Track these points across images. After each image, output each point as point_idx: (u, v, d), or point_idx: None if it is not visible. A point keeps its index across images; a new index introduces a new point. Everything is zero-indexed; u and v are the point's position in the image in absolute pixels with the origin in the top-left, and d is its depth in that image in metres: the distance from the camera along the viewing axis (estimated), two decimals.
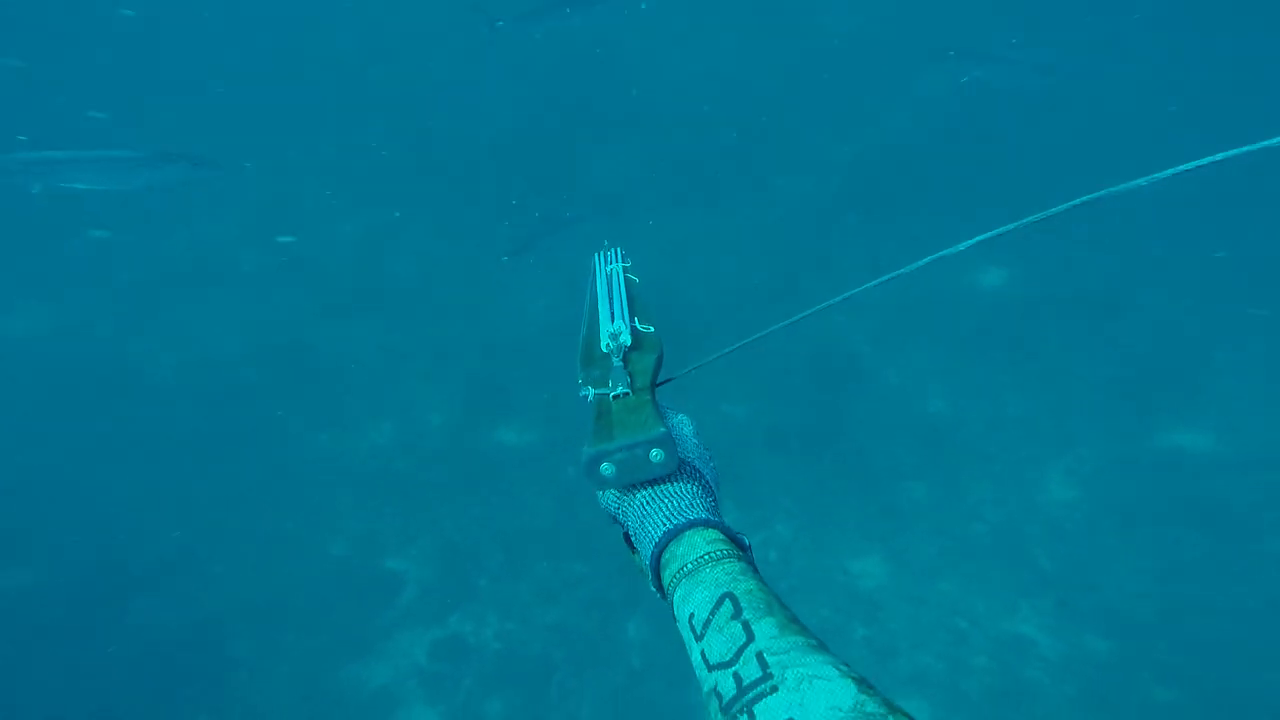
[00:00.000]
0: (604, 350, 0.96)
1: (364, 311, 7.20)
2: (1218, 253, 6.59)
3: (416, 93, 9.83)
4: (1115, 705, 3.98)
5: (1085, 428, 5.61)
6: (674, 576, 0.74)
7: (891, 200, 7.80)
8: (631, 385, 0.90)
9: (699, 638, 0.67)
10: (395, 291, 7.46)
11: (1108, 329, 6.41)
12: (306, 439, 6.17)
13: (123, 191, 4.74)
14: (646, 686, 4.36)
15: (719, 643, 0.64)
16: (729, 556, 0.73)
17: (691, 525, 0.77)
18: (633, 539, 0.84)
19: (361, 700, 4.50)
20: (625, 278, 1.11)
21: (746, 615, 0.65)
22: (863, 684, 0.56)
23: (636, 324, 1.00)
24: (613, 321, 0.99)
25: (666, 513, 0.79)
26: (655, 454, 0.81)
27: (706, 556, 0.73)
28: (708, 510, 0.80)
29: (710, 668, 0.63)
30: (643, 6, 8.20)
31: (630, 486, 0.84)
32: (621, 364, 0.93)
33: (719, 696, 0.61)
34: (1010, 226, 0.70)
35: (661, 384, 0.96)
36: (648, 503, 0.81)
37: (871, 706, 0.54)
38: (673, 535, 0.77)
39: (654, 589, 0.80)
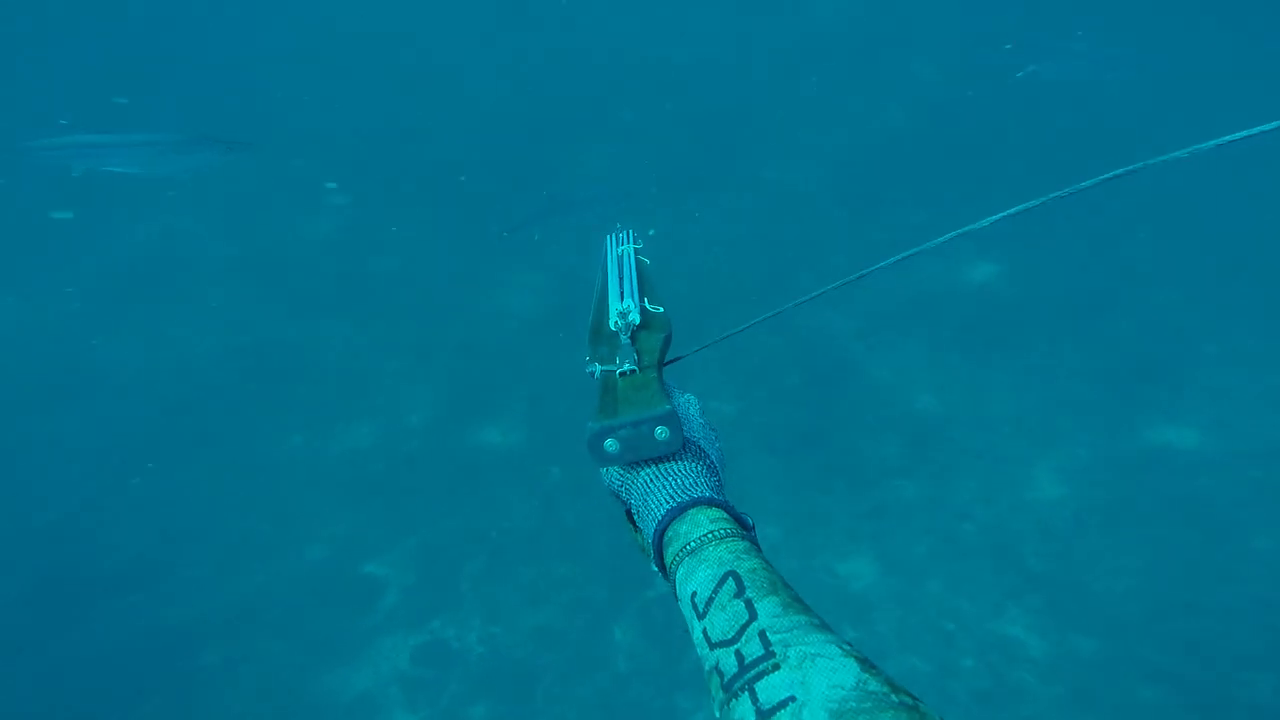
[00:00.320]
0: (612, 329, 0.98)
1: (339, 309, 7.16)
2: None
3: (399, 81, 9.78)
4: (1102, 706, 4.06)
5: (1073, 424, 5.73)
6: (677, 555, 0.75)
7: (881, 193, 7.90)
8: (639, 363, 0.91)
9: (701, 616, 0.68)
10: (372, 288, 7.43)
11: (1095, 324, 6.55)
12: (279, 441, 6.13)
13: (160, 175, 4.87)
14: (634, 690, 4.40)
15: (721, 621, 0.65)
16: (732, 535, 0.74)
17: (695, 504, 0.78)
18: (635, 517, 0.85)
19: (340, 708, 4.49)
20: (636, 259, 1.13)
21: (749, 594, 0.66)
22: (865, 663, 0.57)
23: (646, 304, 1.02)
24: (622, 300, 1.01)
25: (670, 491, 0.80)
26: (660, 431, 0.82)
27: (710, 535, 0.74)
28: (712, 489, 0.81)
29: (712, 645, 0.64)
30: None
31: (634, 464, 0.85)
32: (629, 342, 0.95)
33: (720, 674, 0.62)
34: (1035, 202, 0.71)
35: (669, 363, 0.98)
36: (651, 480, 0.83)
37: (874, 685, 0.55)
38: (676, 513, 0.78)
39: (656, 568, 0.81)
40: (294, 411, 6.33)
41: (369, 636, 4.86)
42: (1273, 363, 5.97)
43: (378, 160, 8.90)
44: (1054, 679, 4.22)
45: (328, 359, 6.74)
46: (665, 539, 0.78)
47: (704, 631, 0.66)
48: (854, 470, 5.54)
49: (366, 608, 5.02)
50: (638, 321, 0.98)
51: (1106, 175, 0.66)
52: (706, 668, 0.64)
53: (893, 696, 0.54)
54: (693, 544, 0.74)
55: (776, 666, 0.58)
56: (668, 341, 0.98)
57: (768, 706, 0.56)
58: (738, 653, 0.61)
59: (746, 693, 0.58)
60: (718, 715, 0.61)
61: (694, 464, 0.84)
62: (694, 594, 0.70)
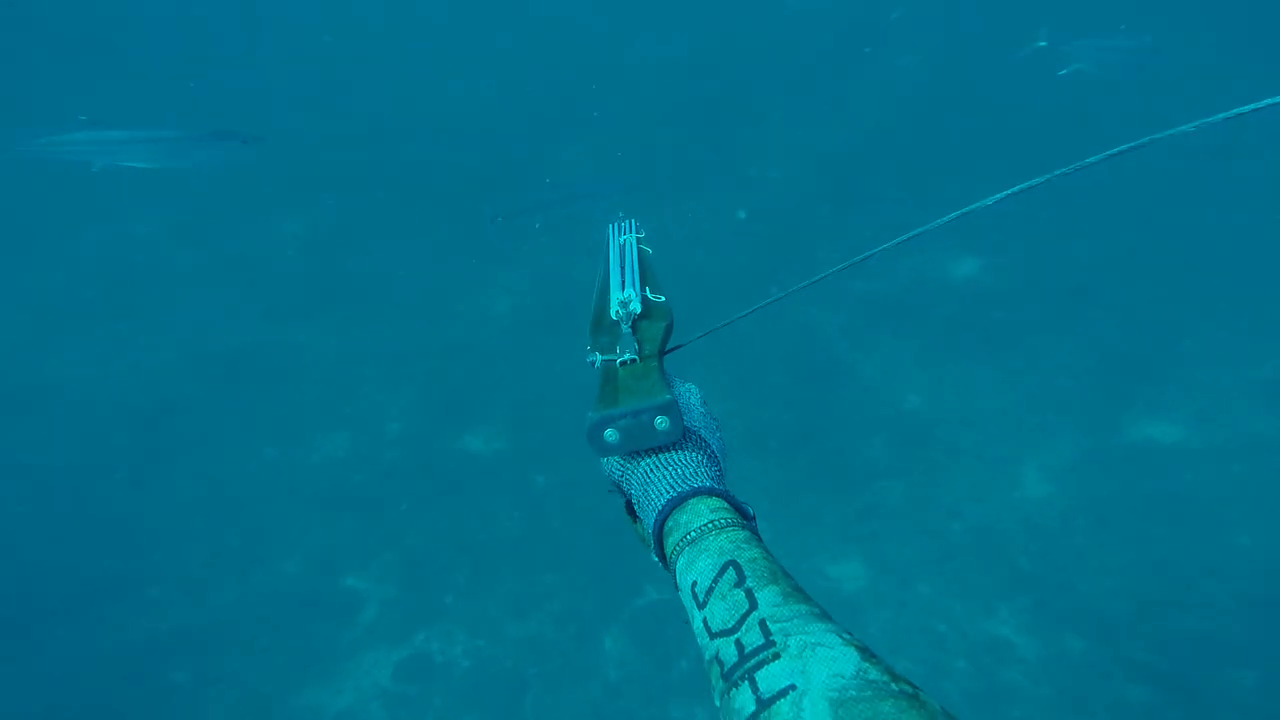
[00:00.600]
0: (614, 318, 0.99)
1: (312, 314, 7.09)
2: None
3: (375, 80, 9.73)
4: (1091, 706, 4.14)
5: (1060, 421, 5.86)
6: (677, 545, 0.76)
7: (866, 189, 8.02)
8: (639, 352, 0.92)
9: (701, 605, 0.69)
10: (346, 292, 7.37)
11: (1080, 318, 6.70)
12: (252, 453, 6.06)
13: (176, 169, 4.98)
14: (624, 701, 4.41)
15: (721, 610, 0.66)
16: (733, 525, 0.75)
17: (696, 493, 0.79)
18: (635, 507, 0.86)
19: None
20: (639, 248, 1.14)
21: (750, 583, 0.67)
22: (865, 652, 0.58)
23: (648, 293, 1.03)
24: (623, 289, 1.01)
25: (670, 481, 0.81)
26: (660, 421, 0.83)
27: (710, 524, 0.75)
28: (712, 479, 0.82)
29: (712, 635, 0.65)
30: None
31: (634, 454, 0.86)
32: (630, 331, 0.96)
33: (720, 664, 0.62)
34: (1039, 179, 0.72)
35: (670, 351, 0.99)
36: (651, 470, 0.83)
37: (874, 674, 0.56)
38: (676, 503, 0.78)
39: (656, 558, 0.82)
40: (267, 421, 6.26)
41: (349, 652, 4.82)
42: (1251, 357, 6.17)
43: (352, 160, 8.84)
44: (1044, 679, 4.31)
45: (302, 366, 6.68)
46: (665, 529, 0.79)
47: (704, 621, 0.67)
48: (843, 471, 5.62)
49: (346, 622, 4.98)
50: (639, 310, 0.99)
51: (1112, 151, 0.67)
52: (706, 657, 0.65)
53: (893, 685, 0.55)
54: (693, 534, 0.75)
55: (777, 655, 0.59)
56: (669, 330, 0.99)
57: (768, 695, 0.57)
58: (738, 642, 0.62)
59: (746, 682, 0.59)
60: (718, 704, 0.61)
61: (694, 454, 0.85)
62: (694, 583, 0.71)
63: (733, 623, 0.64)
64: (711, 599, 0.68)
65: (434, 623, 4.88)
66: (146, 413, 6.32)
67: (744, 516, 0.78)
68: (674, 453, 0.84)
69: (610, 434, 0.83)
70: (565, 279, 7.23)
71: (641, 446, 0.84)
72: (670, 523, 0.78)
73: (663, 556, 0.80)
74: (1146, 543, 4.95)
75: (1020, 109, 9.00)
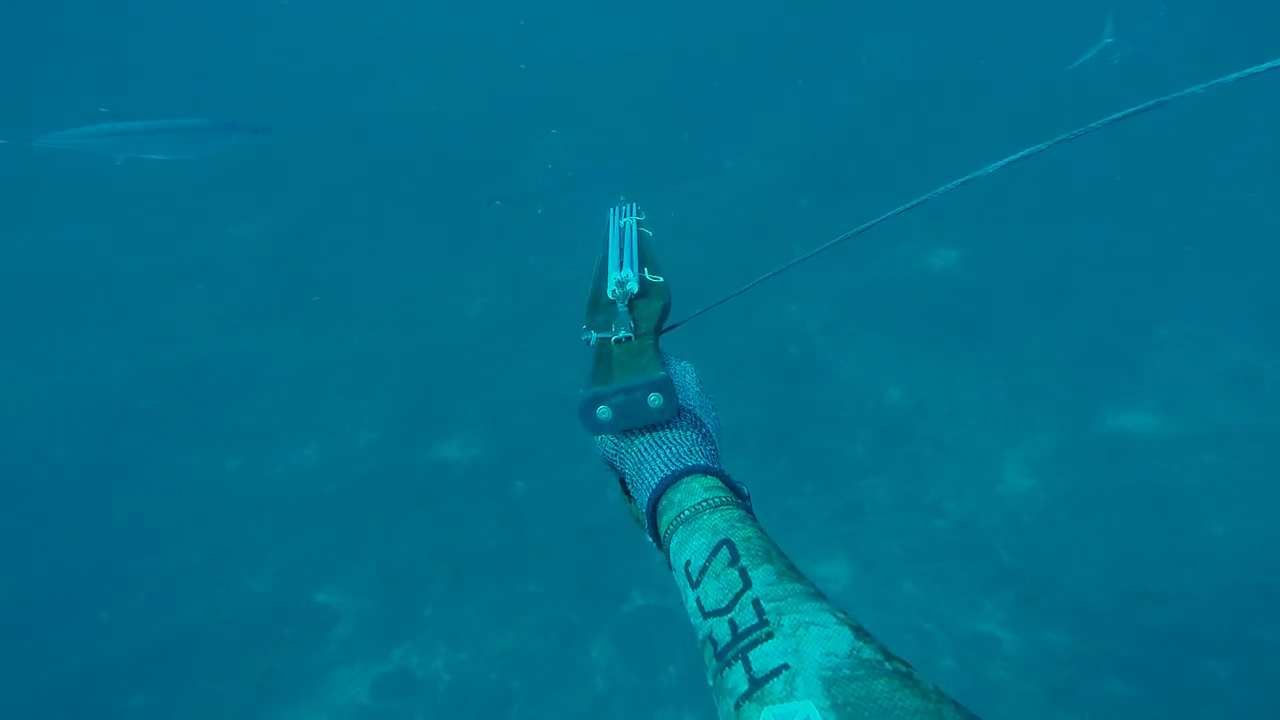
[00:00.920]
0: (610, 297, 1.01)
1: (275, 320, 6.97)
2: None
3: (337, 73, 9.58)
4: (1075, 701, 4.25)
5: (1039, 413, 6.02)
6: (671, 524, 0.76)
7: (844, 181, 8.14)
8: (635, 330, 0.93)
9: (695, 585, 0.69)
10: (312, 297, 7.26)
11: (1055, 309, 6.89)
12: (214, 467, 5.95)
13: (194, 160, 5.07)
14: (612, 711, 4.43)
15: (715, 589, 0.66)
16: (727, 504, 0.75)
17: (690, 472, 0.79)
18: (629, 486, 0.86)
19: None
20: (639, 230, 1.16)
21: (744, 562, 0.67)
22: (859, 631, 0.59)
23: (646, 274, 1.05)
24: (621, 269, 1.03)
25: (665, 459, 0.81)
26: (654, 398, 0.83)
27: (704, 503, 0.75)
28: (707, 458, 0.82)
29: (705, 615, 0.66)
30: None
31: (628, 432, 0.86)
32: (627, 310, 0.97)
33: (714, 643, 0.63)
34: (1042, 146, 0.72)
35: (667, 330, 1.01)
36: (646, 449, 0.84)
37: (868, 653, 0.56)
38: (670, 482, 0.79)
39: (650, 539, 0.82)
40: (229, 434, 6.15)
41: (323, 670, 4.76)
42: (1219, 343, 6.41)
43: (315, 158, 8.69)
44: (1029, 675, 4.42)
45: (266, 375, 6.56)
46: (659, 508, 0.79)
47: (698, 600, 0.68)
48: (825, 470, 5.71)
49: (319, 639, 4.91)
50: (636, 290, 1.00)
51: (1117, 115, 0.67)
52: (700, 637, 0.66)
53: (886, 664, 0.55)
54: (687, 512, 0.75)
55: (770, 635, 0.59)
56: (666, 310, 1.00)
57: (760, 675, 0.57)
58: (731, 621, 0.63)
59: (740, 661, 0.59)
60: (711, 684, 0.62)
61: (689, 432, 0.85)
62: (688, 563, 0.71)
63: (726, 602, 0.65)
64: (705, 578, 0.68)
65: (413, 636, 4.85)
66: (98, 427, 6.15)
67: (738, 495, 0.79)
68: (668, 431, 0.85)
69: (603, 411, 0.84)
70: (540, 280, 7.22)
71: (635, 424, 0.84)
72: (664, 502, 0.79)
73: (656, 536, 0.80)
74: (1125, 535, 5.11)
75: (1024, 98, 9.16)
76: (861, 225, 0.90)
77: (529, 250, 7.42)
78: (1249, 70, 0.62)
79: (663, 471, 0.80)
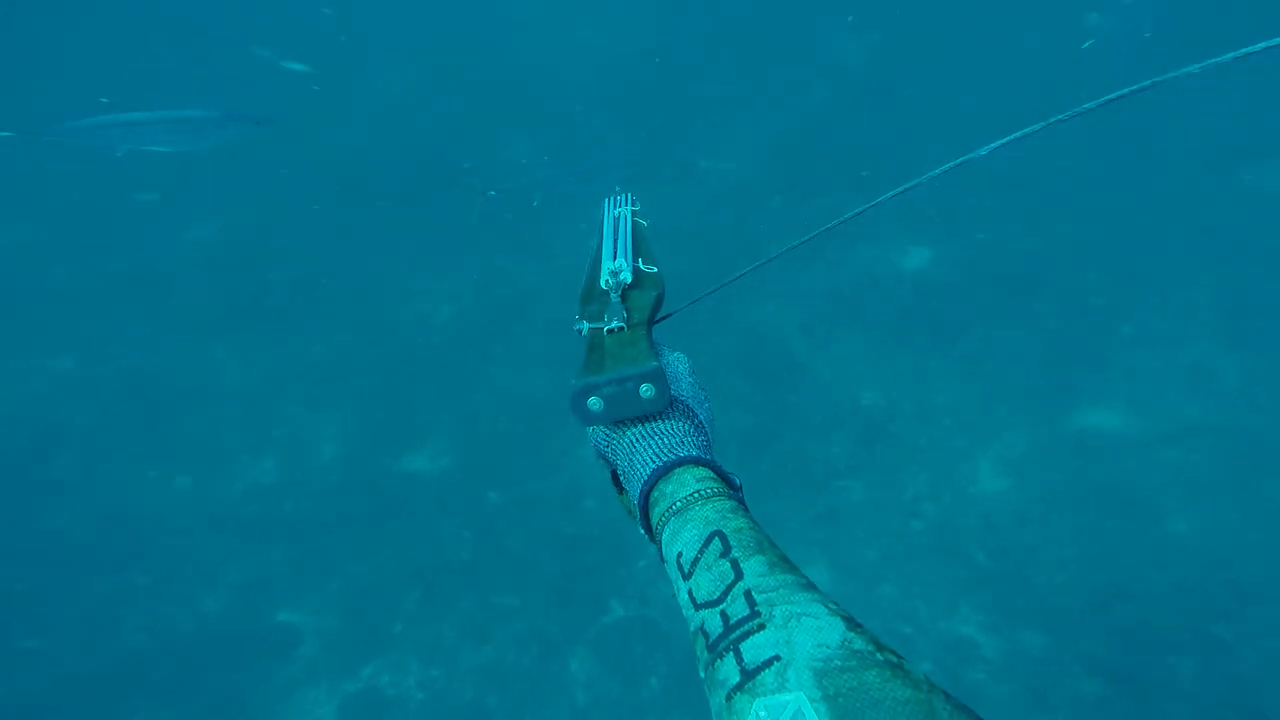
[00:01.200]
0: (603, 287, 1.02)
1: (228, 329, 6.77)
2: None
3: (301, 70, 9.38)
4: (1051, 702, 4.36)
5: (1010, 412, 6.17)
6: (663, 515, 0.77)
7: (816, 179, 8.27)
8: (628, 321, 0.94)
9: (687, 576, 0.70)
10: (267, 304, 7.08)
11: (1023, 308, 7.08)
12: (162, 484, 5.75)
13: (195, 152, 5.11)
14: None
15: (707, 581, 0.67)
16: (719, 495, 0.76)
17: (682, 463, 0.80)
18: (621, 477, 0.87)
19: None
20: (634, 221, 1.18)
21: (735, 553, 0.68)
22: (851, 622, 0.60)
23: (640, 264, 1.06)
24: (615, 259, 1.05)
25: (656, 450, 0.82)
26: (646, 389, 0.84)
27: (696, 494, 0.76)
28: (699, 449, 0.84)
29: (697, 606, 0.66)
30: None
31: (620, 423, 0.87)
32: (620, 300, 0.98)
33: (705, 635, 0.64)
34: (1037, 126, 0.73)
35: (660, 320, 1.02)
36: (638, 440, 0.84)
37: (859, 644, 0.58)
38: (662, 473, 0.80)
39: (642, 530, 0.83)
40: (178, 449, 5.97)
41: (286, 690, 4.64)
42: (1181, 341, 6.68)
43: (270, 157, 8.49)
44: (1006, 678, 4.51)
45: (218, 387, 6.37)
46: (651, 499, 0.80)
47: (689, 592, 0.68)
48: (802, 473, 5.78)
49: (281, 659, 4.80)
50: (629, 280, 1.01)
51: (1111, 96, 0.67)
52: (692, 629, 0.66)
53: (878, 655, 0.57)
54: (678, 504, 0.76)
55: (762, 626, 0.60)
56: (660, 300, 1.01)
57: (752, 666, 0.58)
58: (723, 613, 0.63)
59: (731, 653, 0.60)
60: (703, 676, 0.63)
61: (681, 423, 0.86)
62: (680, 554, 0.72)
63: (718, 593, 0.65)
64: (697, 570, 0.69)
65: (383, 654, 4.75)
66: (27, 445, 5.88)
67: (730, 486, 0.80)
68: (660, 422, 0.86)
69: (594, 402, 0.85)
70: (511, 284, 7.18)
71: (626, 415, 0.85)
72: (656, 493, 0.80)
73: (648, 527, 0.81)
74: (1093, 534, 5.26)
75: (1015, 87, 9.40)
76: (842, 216, 0.92)
77: (500, 252, 7.37)
78: (1244, 50, 0.62)
79: (654, 463, 0.81)
